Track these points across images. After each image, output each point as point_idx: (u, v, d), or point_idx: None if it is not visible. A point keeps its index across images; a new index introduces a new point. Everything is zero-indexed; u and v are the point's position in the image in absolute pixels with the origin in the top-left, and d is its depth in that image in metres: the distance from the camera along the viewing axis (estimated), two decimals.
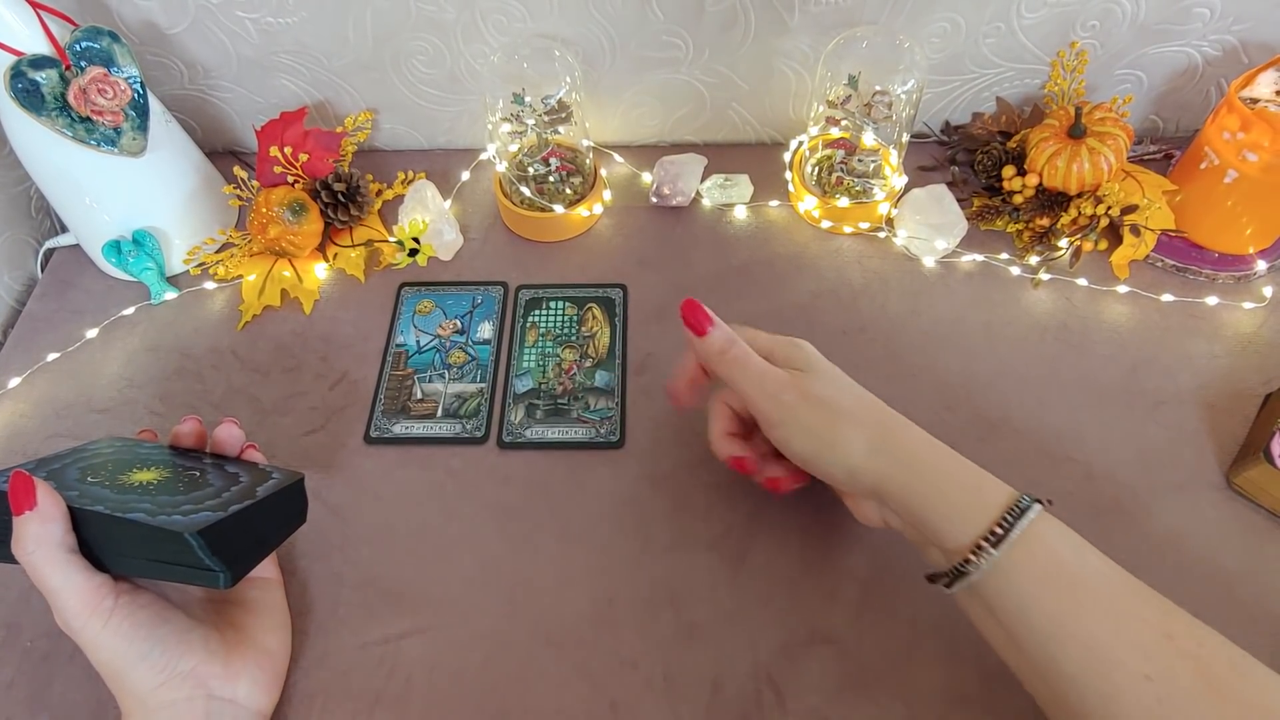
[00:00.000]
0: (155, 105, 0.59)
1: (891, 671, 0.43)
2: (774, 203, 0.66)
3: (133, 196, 0.60)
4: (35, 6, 0.52)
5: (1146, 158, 0.66)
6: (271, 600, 0.44)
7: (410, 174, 0.69)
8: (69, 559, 0.37)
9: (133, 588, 0.39)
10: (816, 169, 0.65)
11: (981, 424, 0.53)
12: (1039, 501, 0.37)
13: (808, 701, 0.43)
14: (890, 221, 0.63)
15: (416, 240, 0.62)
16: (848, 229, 0.63)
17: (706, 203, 0.66)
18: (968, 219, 0.61)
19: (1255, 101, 0.53)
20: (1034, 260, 0.60)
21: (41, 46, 0.52)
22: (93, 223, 0.60)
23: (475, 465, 0.52)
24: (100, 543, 0.38)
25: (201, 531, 0.36)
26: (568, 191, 0.64)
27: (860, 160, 0.62)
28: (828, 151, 0.65)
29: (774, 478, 0.45)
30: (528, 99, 0.58)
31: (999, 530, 0.35)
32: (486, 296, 0.61)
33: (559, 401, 0.55)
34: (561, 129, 0.61)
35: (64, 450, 0.44)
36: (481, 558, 0.49)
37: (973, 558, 0.36)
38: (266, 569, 0.46)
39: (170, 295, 0.62)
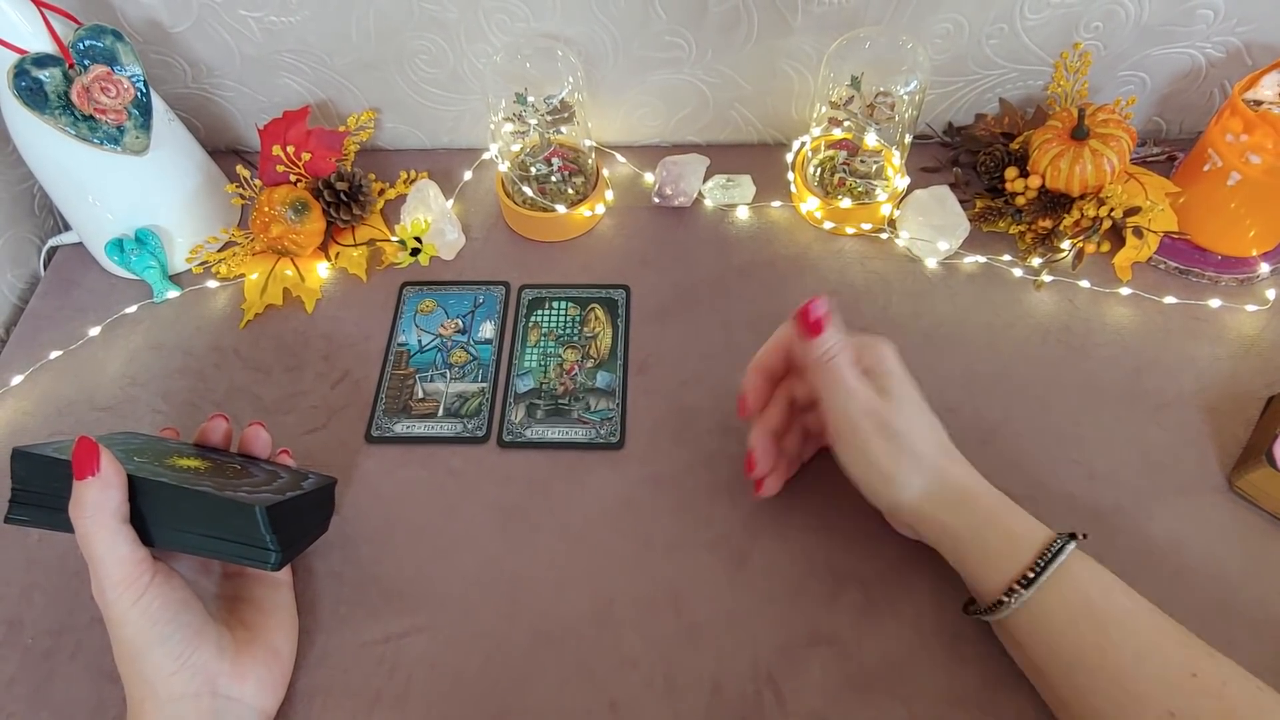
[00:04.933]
0: (158, 104, 0.59)
1: (892, 673, 0.43)
2: (776, 203, 0.66)
3: (135, 195, 0.60)
4: (39, 5, 0.52)
5: (1149, 160, 0.66)
6: (282, 600, 0.45)
7: (412, 173, 0.69)
8: (120, 528, 0.37)
9: (168, 569, 0.39)
10: (819, 170, 0.65)
11: (983, 426, 0.52)
12: (1074, 537, 0.38)
13: (808, 703, 0.43)
14: (892, 223, 0.63)
15: (419, 240, 0.62)
16: (850, 230, 0.63)
17: (709, 203, 0.66)
18: (970, 220, 0.61)
19: (1259, 104, 0.53)
20: (1036, 262, 0.60)
21: (45, 45, 0.52)
22: (96, 221, 0.60)
23: (476, 465, 0.52)
24: (155, 514, 0.39)
25: (269, 508, 0.38)
26: (570, 191, 0.64)
27: (863, 161, 0.62)
28: (830, 152, 0.65)
29: (760, 478, 0.47)
30: (530, 99, 0.58)
31: (1030, 575, 0.37)
32: (488, 296, 0.61)
33: (560, 402, 0.55)
34: (564, 129, 0.61)
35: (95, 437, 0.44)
36: (482, 557, 0.49)
37: (1005, 599, 0.38)
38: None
39: (173, 294, 0.62)
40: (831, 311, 0.41)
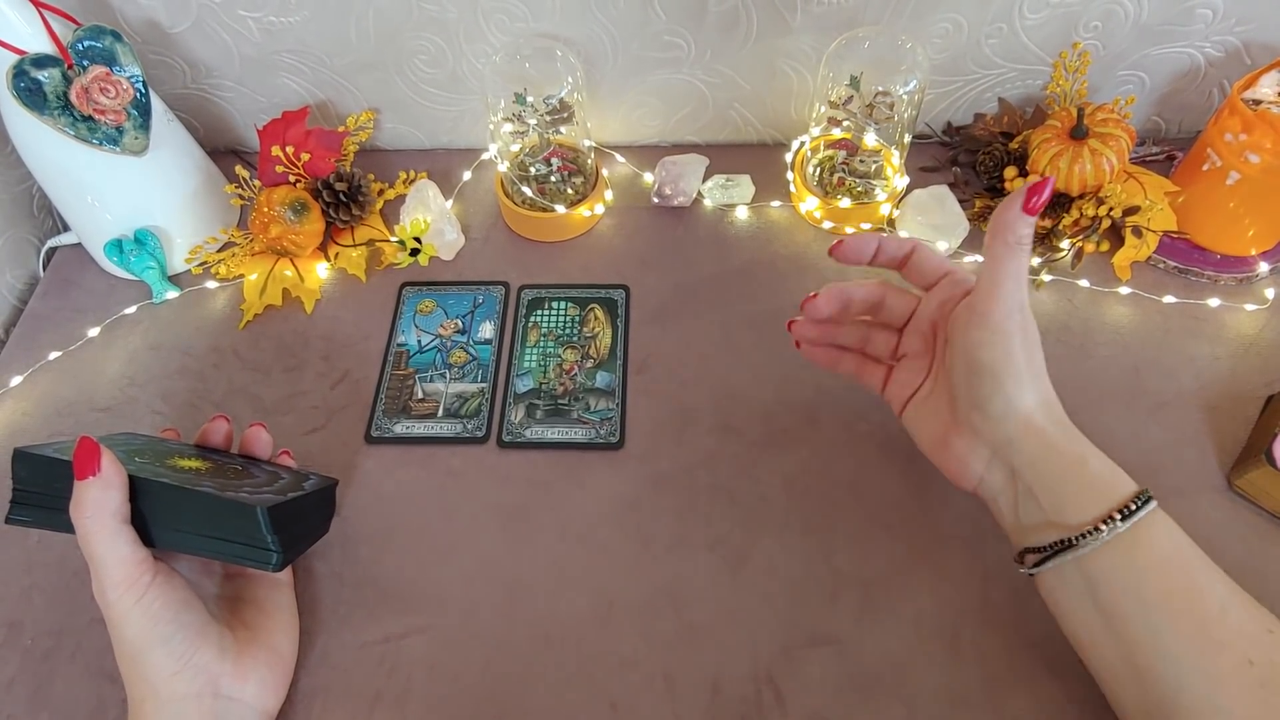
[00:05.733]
0: (157, 104, 0.59)
1: (892, 673, 0.43)
2: (776, 203, 0.66)
3: (135, 195, 0.60)
4: (38, 5, 0.52)
5: (1149, 159, 0.66)
6: (283, 601, 0.45)
7: (412, 173, 0.69)
8: (120, 528, 0.37)
9: (169, 570, 0.39)
10: (818, 169, 0.65)
11: None
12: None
13: (808, 703, 0.43)
14: (892, 222, 0.63)
15: (418, 240, 0.62)
16: (849, 229, 0.63)
17: (708, 203, 0.66)
18: (969, 220, 0.61)
19: (1258, 103, 0.53)
20: (1036, 261, 0.60)
21: (44, 45, 0.52)
22: (95, 221, 0.60)
23: (476, 465, 0.52)
24: (157, 515, 0.39)
25: (270, 509, 0.38)
26: (569, 191, 0.64)
27: (862, 161, 0.62)
28: (829, 152, 0.65)
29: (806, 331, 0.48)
30: (529, 99, 0.58)
31: (1134, 505, 0.37)
32: (488, 296, 0.61)
33: (559, 402, 0.55)
34: (563, 129, 0.61)
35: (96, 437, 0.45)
36: (482, 558, 0.49)
37: (1103, 527, 0.37)
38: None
39: (172, 294, 0.62)
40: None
